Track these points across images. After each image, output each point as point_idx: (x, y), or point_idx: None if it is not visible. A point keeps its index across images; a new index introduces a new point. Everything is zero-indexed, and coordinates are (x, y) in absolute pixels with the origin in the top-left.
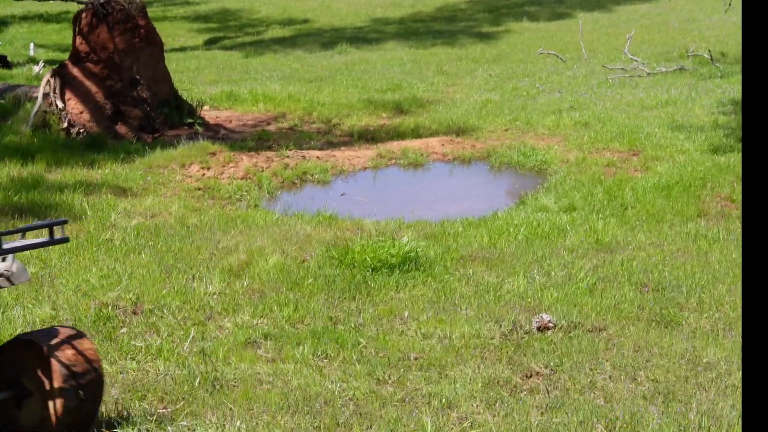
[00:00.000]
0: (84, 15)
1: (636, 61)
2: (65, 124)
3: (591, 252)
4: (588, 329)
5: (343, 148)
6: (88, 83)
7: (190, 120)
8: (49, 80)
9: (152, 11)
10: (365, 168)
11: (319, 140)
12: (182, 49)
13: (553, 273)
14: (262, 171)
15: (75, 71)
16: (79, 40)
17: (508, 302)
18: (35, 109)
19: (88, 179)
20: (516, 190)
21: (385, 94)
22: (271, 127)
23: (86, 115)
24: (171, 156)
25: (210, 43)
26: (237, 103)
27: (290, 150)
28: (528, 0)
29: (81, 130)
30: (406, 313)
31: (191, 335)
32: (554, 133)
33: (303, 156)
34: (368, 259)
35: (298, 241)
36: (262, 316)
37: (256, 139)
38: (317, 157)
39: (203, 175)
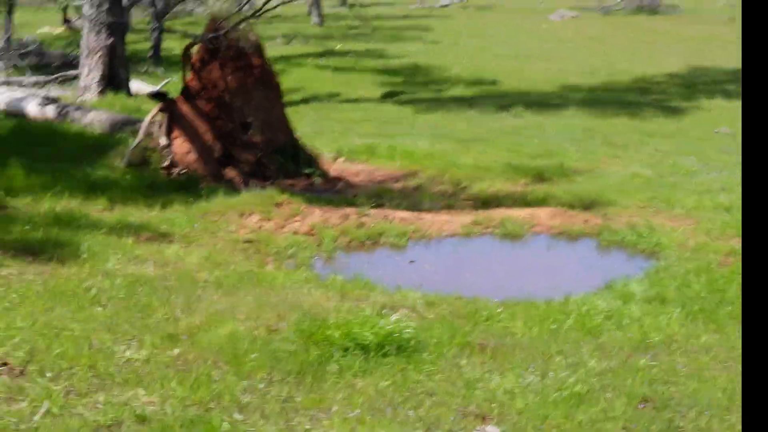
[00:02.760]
0: (196, 50)
1: None
2: (166, 163)
3: (620, 352)
4: None
5: (443, 212)
6: (197, 122)
7: (308, 170)
8: (154, 116)
9: (344, 62)
10: (453, 235)
11: (437, 202)
12: (356, 100)
13: (550, 374)
14: (331, 228)
15: (185, 108)
16: (190, 75)
17: (464, 406)
18: (133, 145)
19: (134, 221)
20: (611, 273)
21: (533, 160)
22: (397, 185)
23: (192, 156)
24: (231, 203)
25: (387, 97)
26: (374, 157)
27: (373, 209)
28: (729, 78)
29: (183, 171)
30: (334, 408)
31: (43, 408)
32: (689, 215)
33: (385, 216)
34: (336, 336)
35: (285, 307)
36: (157, 393)
37: (369, 195)
38: (401, 219)
39: (260, 227)
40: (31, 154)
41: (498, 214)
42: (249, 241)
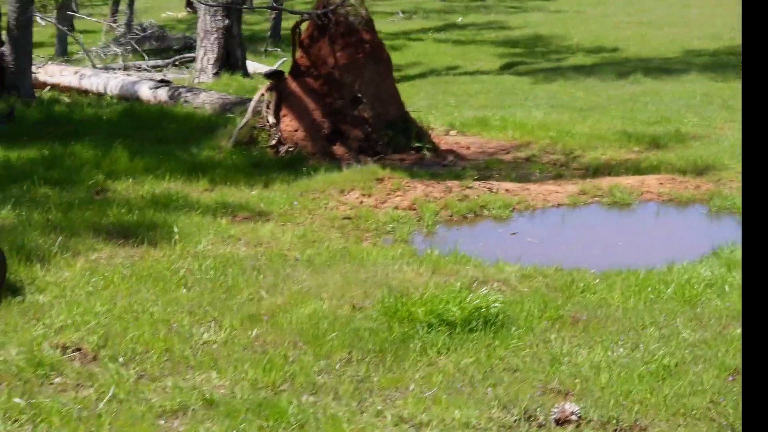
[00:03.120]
0: (305, 27)
1: None
2: (274, 141)
3: (716, 322)
4: (623, 429)
5: (549, 182)
6: (306, 99)
7: (418, 144)
8: (263, 95)
9: (464, 35)
10: (559, 205)
11: (547, 173)
12: (473, 73)
13: (641, 346)
14: (432, 202)
15: (294, 86)
16: (299, 53)
17: (546, 383)
18: (240, 124)
19: (233, 200)
20: (720, 239)
21: (649, 126)
22: (508, 156)
23: (300, 133)
24: (331, 180)
25: (505, 68)
26: (486, 129)
27: (478, 182)
28: None
29: (290, 149)
30: (411, 387)
31: (110, 393)
32: None
33: (489, 188)
34: (420, 312)
35: (373, 284)
36: (229, 376)
37: (478, 168)
38: (506, 191)
39: (361, 202)
40: (139, 137)
41: (606, 182)
42: (348, 218)
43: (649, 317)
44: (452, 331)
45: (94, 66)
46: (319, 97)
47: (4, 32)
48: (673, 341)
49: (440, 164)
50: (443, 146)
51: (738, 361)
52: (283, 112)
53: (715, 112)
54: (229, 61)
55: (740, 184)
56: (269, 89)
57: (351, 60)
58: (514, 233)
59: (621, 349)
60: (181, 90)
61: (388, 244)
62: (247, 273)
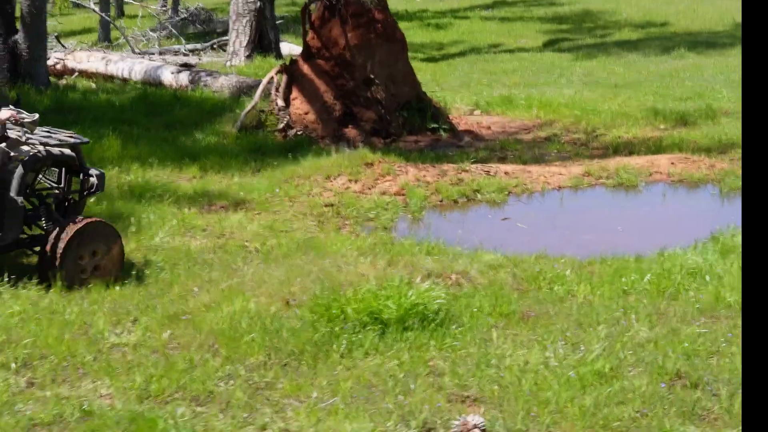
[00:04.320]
0: (316, 7)
1: None
2: (282, 125)
3: (678, 319)
4: None
5: (555, 163)
6: (317, 81)
7: (434, 125)
8: (273, 77)
9: (512, 12)
10: (560, 187)
11: (565, 152)
12: (514, 51)
13: (582, 347)
14: (423, 187)
15: (305, 68)
16: (310, 35)
17: (461, 390)
18: (247, 108)
19: (213, 189)
20: (725, 222)
21: (681, 102)
22: (528, 136)
23: (311, 116)
24: (318, 165)
25: (548, 45)
26: (511, 108)
27: (475, 164)
28: None
29: (299, 132)
30: (314, 395)
31: None
32: None
33: (487, 171)
34: (351, 310)
35: (316, 279)
36: (119, 384)
37: (493, 148)
38: (505, 173)
39: (346, 188)
40: (148, 123)
41: (614, 163)
42: (329, 205)
43: (606, 313)
44: (385, 331)
45: (133, 51)
46: (331, 78)
47: (18, 20)
48: (619, 341)
49: (456, 145)
50: (462, 126)
51: (680, 365)
52: (294, 94)
53: None
54: (262, 43)
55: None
56: (279, 72)
57: (362, 40)
58: (505, 218)
59: (560, 350)
60: (201, 74)
61: (367, 233)
62: (194, 267)
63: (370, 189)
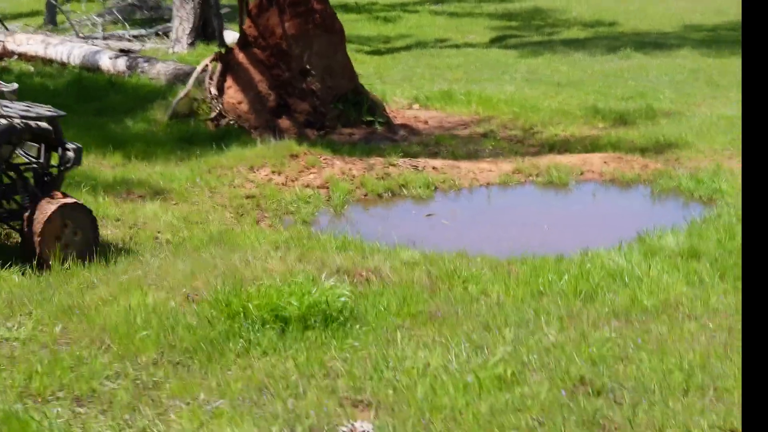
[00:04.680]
0: None
1: None
2: (214, 114)
3: (591, 322)
4: None
5: (486, 160)
6: (252, 71)
7: (370, 118)
8: (207, 65)
9: (462, 6)
10: (489, 184)
11: (500, 149)
12: (460, 46)
13: (485, 350)
14: (348, 180)
15: (240, 57)
16: (247, 23)
17: (355, 395)
18: (180, 95)
19: (134, 177)
20: (654, 222)
21: (622, 102)
22: (465, 132)
23: (244, 106)
24: (243, 156)
25: (495, 41)
26: (450, 104)
27: (403, 159)
28: None
29: (231, 122)
30: (201, 397)
31: None
32: None
33: (416, 166)
34: (252, 307)
35: (222, 273)
36: None
37: (428, 144)
38: (433, 168)
39: (269, 180)
40: (79, 109)
41: (546, 161)
42: (250, 197)
43: (517, 314)
44: (285, 330)
45: (77, 35)
46: (266, 68)
47: None
48: (524, 344)
49: (391, 139)
50: (399, 120)
51: (584, 371)
52: (228, 83)
53: (698, 88)
54: (206, 31)
55: (696, 163)
56: (214, 59)
57: (300, 30)
58: (429, 215)
59: (463, 353)
60: (139, 60)
61: (285, 226)
62: (100, 258)
63: (293, 181)
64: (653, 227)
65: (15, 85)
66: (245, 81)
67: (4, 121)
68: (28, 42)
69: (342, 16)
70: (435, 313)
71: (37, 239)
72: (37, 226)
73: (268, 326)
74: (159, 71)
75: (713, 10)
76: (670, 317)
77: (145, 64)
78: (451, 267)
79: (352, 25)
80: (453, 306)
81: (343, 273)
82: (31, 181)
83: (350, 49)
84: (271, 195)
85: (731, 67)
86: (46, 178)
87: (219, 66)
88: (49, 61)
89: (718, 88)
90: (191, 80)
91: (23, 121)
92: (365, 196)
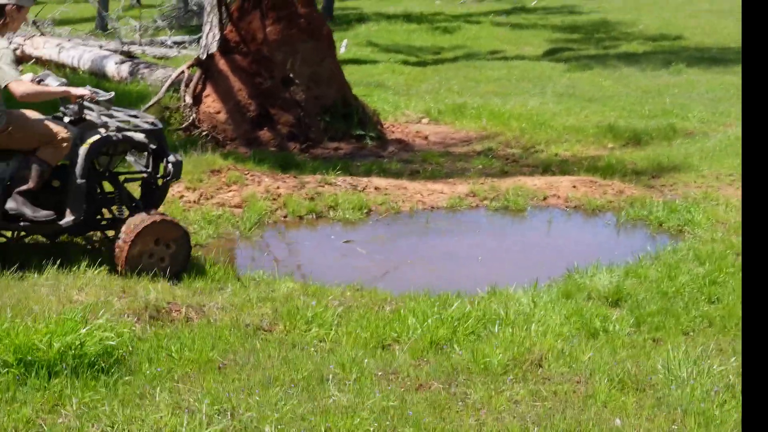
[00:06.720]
0: None
1: None
2: (186, 123)
3: (410, 382)
4: None
5: (441, 180)
6: (232, 78)
7: (360, 131)
8: (183, 72)
9: (528, 18)
10: (432, 208)
11: (487, 168)
12: (510, 58)
13: (229, 413)
14: (270, 200)
15: (221, 63)
16: (228, 27)
17: None
18: (150, 102)
19: None
20: (593, 258)
21: (645, 120)
22: (463, 149)
23: (222, 116)
24: None
25: (547, 54)
26: (460, 118)
27: (343, 177)
28: None
29: (205, 132)
30: None
31: None
32: None
33: (355, 185)
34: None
35: (5, 305)
36: None
37: (413, 161)
38: (376, 188)
39: (181, 197)
40: None
41: (509, 183)
42: None
43: (325, 365)
44: (27, 376)
45: (122, 42)
46: (248, 76)
47: None
48: (281, 410)
49: (378, 155)
50: (397, 135)
51: None
52: (207, 91)
53: (737, 106)
54: None
55: (688, 189)
56: (192, 66)
57: (282, 35)
58: (347, 241)
59: (203, 416)
60: (140, 66)
61: None
62: None
63: (208, 200)
64: (591, 263)
65: (112, 94)
66: (225, 89)
67: (102, 131)
68: (44, 46)
69: (400, 26)
70: (222, 363)
71: (123, 253)
72: (127, 238)
73: (7, 371)
74: (157, 77)
75: None
76: (498, 381)
77: (146, 70)
78: (300, 304)
79: (407, 35)
80: (250, 354)
81: (153, 309)
82: (138, 191)
83: (395, 59)
84: (173, 214)
85: None
86: (153, 187)
87: (198, 72)
88: (62, 66)
89: None
90: (164, 87)
91: (123, 132)
92: (285, 217)
